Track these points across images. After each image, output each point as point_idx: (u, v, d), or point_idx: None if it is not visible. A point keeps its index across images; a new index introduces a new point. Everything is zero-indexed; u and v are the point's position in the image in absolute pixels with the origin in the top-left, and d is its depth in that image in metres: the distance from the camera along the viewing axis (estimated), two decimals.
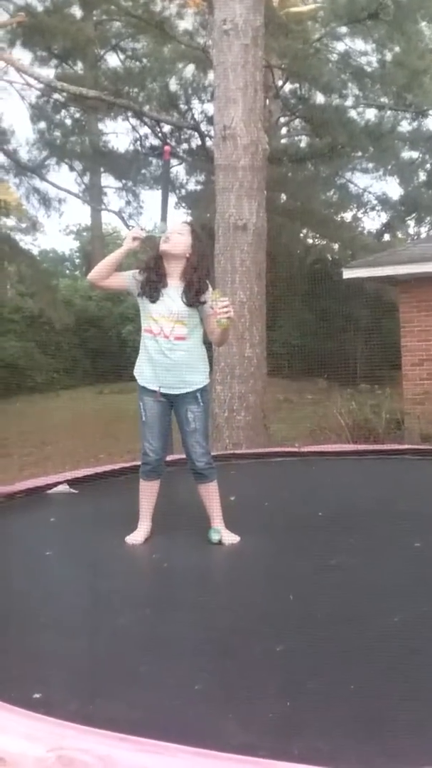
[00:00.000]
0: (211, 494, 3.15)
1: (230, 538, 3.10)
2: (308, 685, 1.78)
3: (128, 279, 3.10)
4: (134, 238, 3.00)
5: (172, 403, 3.14)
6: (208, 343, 3.21)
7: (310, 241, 16.81)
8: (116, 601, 2.43)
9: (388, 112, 14.81)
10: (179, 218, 3.49)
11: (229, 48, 6.24)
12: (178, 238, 3.04)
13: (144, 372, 3.14)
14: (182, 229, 3.08)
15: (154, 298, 3.05)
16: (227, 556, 3.03)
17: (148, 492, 3.19)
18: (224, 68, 6.29)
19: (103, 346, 12.94)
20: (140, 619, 2.27)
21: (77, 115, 14.41)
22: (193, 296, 3.02)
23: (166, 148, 6.02)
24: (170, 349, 3.05)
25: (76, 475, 4.27)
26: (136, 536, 3.15)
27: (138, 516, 3.20)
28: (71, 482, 4.09)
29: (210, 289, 3.08)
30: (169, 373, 3.07)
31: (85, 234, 24.13)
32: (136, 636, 2.13)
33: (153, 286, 3.04)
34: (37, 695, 1.71)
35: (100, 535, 3.28)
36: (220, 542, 3.09)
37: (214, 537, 3.10)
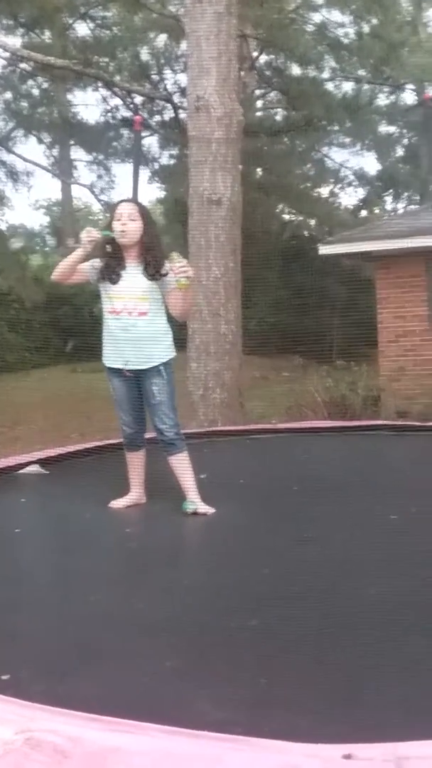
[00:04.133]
0: (182, 465, 3.20)
1: (205, 508, 3.13)
2: (283, 660, 1.76)
3: (88, 270, 3.18)
4: (90, 241, 3.05)
5: (139, 379, 3.20)
6: (180, 324, 3.26)
7: (287, 216, 16.69)
8: (87, 578, 2.39)
9: (366, 86, 14.67)
10: (126, 201, 3.45)
11: (201, 16, 6.06)
12: (132, 226, 3.10)
13: (108, 353, 3.25)
14: (133, 213, 3.13)
15: (114, 280, 3.14)
16: (202, 531, 3.02)
17: (131, 462, 3.34)
18: (197, 37, 6.12)
19: (75, 324, 12.72)
20: (112, 596, 2.23)
21: (45, 85, 14.00)
22: (153, 270, 3.11)
23: (137, 117, 5.90)
24: (133, 325, 3.13)
25: (47, 455, 4.19)
26: (119, 502, 3.30)
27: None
28: (42, 462, 4.02)
29: (167, 261, 3.14)
30: (132, 349, 3.15)
31: (55, 209, 23.65)
32: (108, 614, 2.09)
33: (113, 270, 3.14)
34: (5, 677, 1.66)
35: (72, 514, 3.25)
36: (195, 513, 3.09)
37: (189, 508, 3.11)
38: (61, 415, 9.73)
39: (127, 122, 13.67)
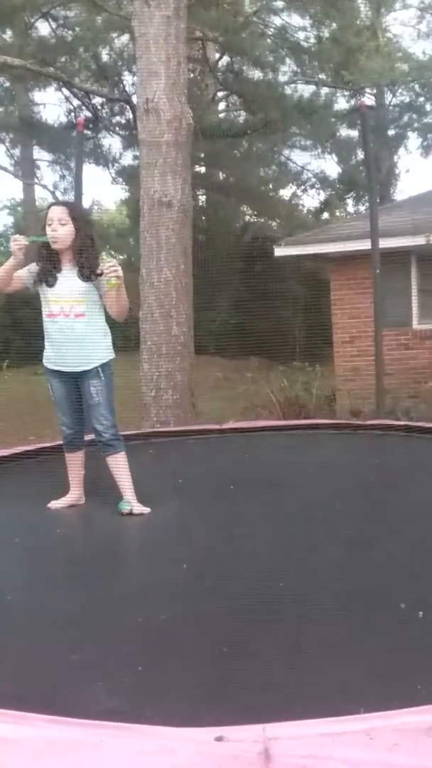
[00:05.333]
0: (119, 465, 3.25)
1: (140, 508, 3.18)
2: (184, 650, 1.83)
3: (25, 276, 3.18)
4: (19, 249, 3.04)
5: (77, 380, 3.24)
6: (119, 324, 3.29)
7: (248, 218, 16.81)
8: (7, 578, 2.42)
9: (326, 89, 14.86)
10: (57, 204, 3.48)
11: (150, 19, 6.11)
12: (62, 230, 3.11)
13: (48, 355, 3.28)
14: (63, 216, 3.13)
15: (51, 283, 3.16)
16: (133, 530, 3.07)
17: (70, 462, 3.39)
18: (146, 40, 6.17)
19: (37, 325, 12.62)
20: (31, 593, 2.28)
21: (6, 84, 13.89)
22: (88, 272, 3.14)
23: (79, 119, 5.94)
24: (71, 327, 3.17)
25: None
26: (58, 502, 3.34)
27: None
28: None
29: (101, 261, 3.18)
30: (70, 351, 3.19)
31: (19, 209, 23.41)
32: (23, 610, 2.14)
33: (49, 273, 3.16)
34: None
35: (7, 514, 3.28)
36: (130, 513, 3.14)
37: (125, 508, 3.16)
38: (21, 416, 9.68)
39: (88, 122, 13.64)
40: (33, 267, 3.19)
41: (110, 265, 3.02)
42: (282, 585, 2.22)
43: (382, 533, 2.76)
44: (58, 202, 3.36)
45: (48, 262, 3.16)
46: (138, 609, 2.12)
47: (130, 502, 3.18)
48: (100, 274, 3.10)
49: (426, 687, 1.53)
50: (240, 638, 1.85)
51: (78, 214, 3.21)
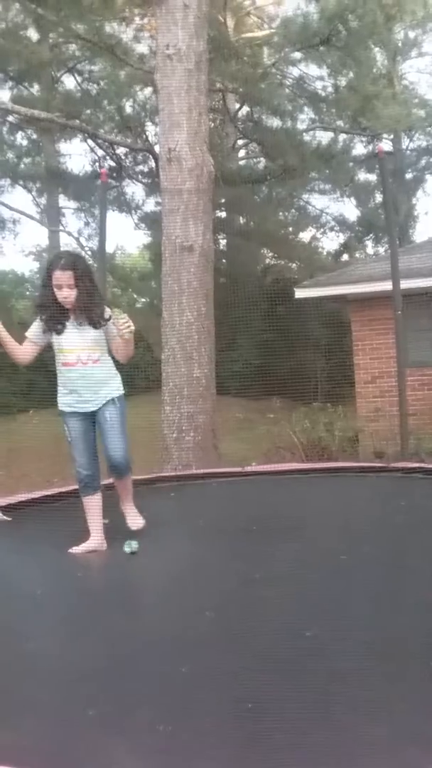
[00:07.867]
0: (126, 486, 3.45)
1: (136, 521, 3.40)
2: (204, 706, 1.76)
3: (41, 335, 3.26)
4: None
5: (93, 419, 3.33)
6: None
7: (269, 261, 17.02)
8: (27, 626, 2.38)
9: (344, 136, 15.17)
10: (61, 269, 3.17)
11: (172, 72, 6.32)
12: (73, 293, 3.17)
13: (64, 400, 3.36)
14: (71, 281, 3.17)
15: (60, 331, 3.23)
16: (154, 574, 3.02)
17: (89, 507, 3.38)
18: (168, 92, 6.37)
19: None
20: (49, 643, 2.22)
21: (34, 137, 14.41)
22: (97, 319, 3.25)
23: (102, 170, 6.12)
24: (90, 373, 3.27)
25: (7, 502, 4.18)
26: (78, 548, 3.32)
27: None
28: (5, 509, 4.01)
29: (107, 309, 3.31)
30: (90, 393, 3.30)
31: (45, 255, 23.97)
32: (40, 662, 2.08)
33: (58, 321, 3.23)
34: None
35: (26, 561, 3.25)
36: (132, 553, 3.15)
37: (131, 546, 3.19)
38: (44, 458, 9.70)
39: (113, 171, 14.06)
40: (40, 320, 3.25)
41: (124, 321, 3.17)
42: (308, 635, 2.15)
43: (410, 582, 2.66)
44: (62, 266, 3.19)
45: (54, 309, 3.22)
46: (159, 660, 2.06)
47: (131, 545, 3.20)
48: (109, 319, 3.23)
49: None
50: (266, 694, 1.77)
51: (82, 273, 3.20)
